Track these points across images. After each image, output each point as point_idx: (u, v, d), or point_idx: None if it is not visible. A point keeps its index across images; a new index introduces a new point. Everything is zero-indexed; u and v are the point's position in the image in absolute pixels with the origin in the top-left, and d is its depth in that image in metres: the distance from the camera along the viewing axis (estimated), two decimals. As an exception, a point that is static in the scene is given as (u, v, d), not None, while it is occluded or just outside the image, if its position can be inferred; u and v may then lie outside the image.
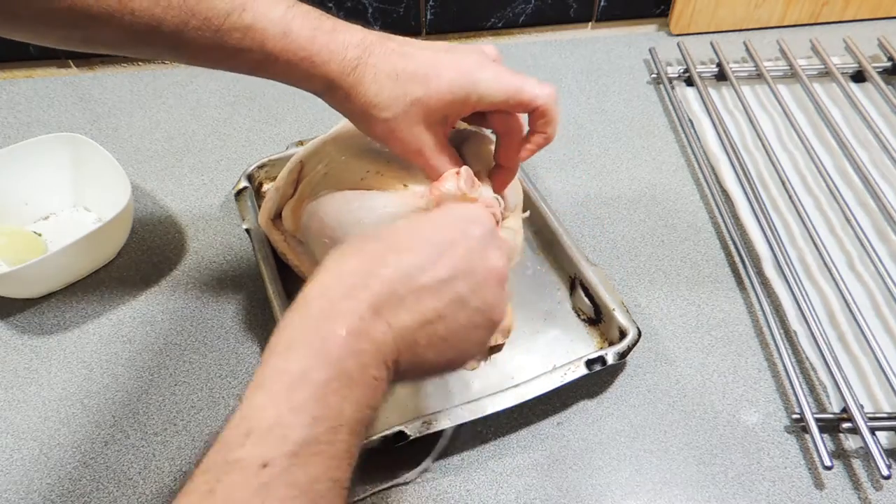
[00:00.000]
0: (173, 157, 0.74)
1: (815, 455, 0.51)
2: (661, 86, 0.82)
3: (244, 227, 0.61)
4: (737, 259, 0.64)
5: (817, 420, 0.51)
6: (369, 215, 0.47)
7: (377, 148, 0.51)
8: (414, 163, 0.45)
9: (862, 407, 0.51)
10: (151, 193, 0.71)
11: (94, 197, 0.67)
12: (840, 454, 0.52)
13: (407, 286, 0.35)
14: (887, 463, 0.48)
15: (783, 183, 0.68)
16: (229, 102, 0.81)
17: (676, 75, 0.82)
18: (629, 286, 0.62)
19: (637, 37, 0.90)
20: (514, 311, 0.56)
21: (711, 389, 0.55)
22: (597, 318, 0.58)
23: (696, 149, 0.73)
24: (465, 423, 0.49)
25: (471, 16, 0.87)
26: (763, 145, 0.72)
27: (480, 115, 0.46)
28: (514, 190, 0.52)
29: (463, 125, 0.51)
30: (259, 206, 0.63)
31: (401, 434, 0.48)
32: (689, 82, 0.82)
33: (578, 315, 0.60)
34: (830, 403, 0.54)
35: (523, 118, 0.45)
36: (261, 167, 0.67)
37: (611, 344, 0.56)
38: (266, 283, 0.57)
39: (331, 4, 0.82)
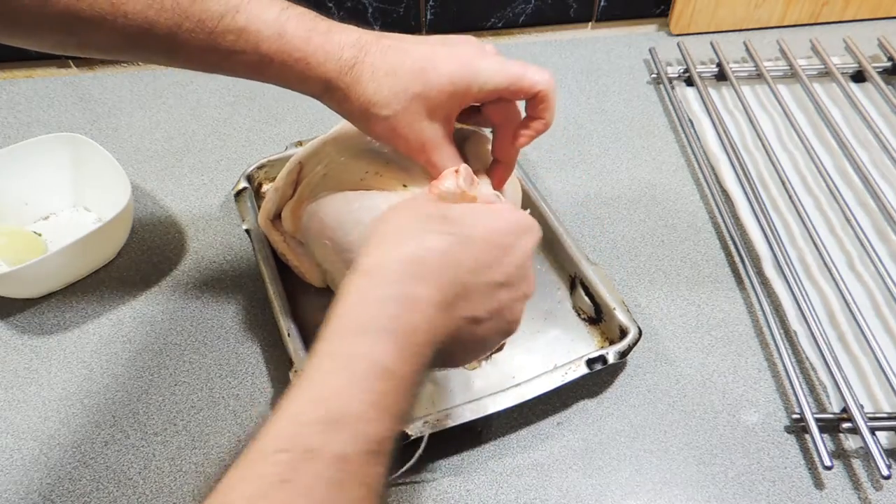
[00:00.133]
0: (173, 157, 0.74)
1: (815, 455, 0.51)
2: (661, 86, 0.82)
3: (244, 227, 0.61)
4: (737, 259, 0.64)
5: (817, 420, 0.51)
6: (370, 215, 0.47)
7: (376, 148, 0.51)
8: (417, 160, 0.45)
9: (862, 407, 0.51)
10: (151, 193, 0.71)
11: (94, 197, 0.67)
12: (840, 454, 0.52)
13: (474, 282, 0.35)
14: (887, 463, 0.48)
15: (783, 183, 0.68)
16: (229, 102, 0.81)
17: (676, 75, 0.82)
18: (629, 286, 0.62)
19: (637, 37, 0.90)
20: None
21: (711, 389, 0.55)
22: (597, 317, 0.58)
23: (696, 149, 0.73)
24: (467, 423, 0.49)
25: (471, 16, 0.87)
26: (763, 145, 0.72)
27: (475, 111, 0.46)
28: (512, 187, 0.52)
29: (459, 125, 0.51)
30: (259, 207, 0.63)
31: (402, 434, 0.48)
32: (689, 82, 0.82)
33: (579, 314, 0.60)
34: (830, 403, 0.54)
35: (520, 107, 0.45)
36: (260, 168, 0.67)
37: (611, 343, 0.56)
38: (266, 284, 0.57)
39: (331, 4, 0.82)
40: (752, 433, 0.53)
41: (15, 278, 0.57)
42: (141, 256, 0.65)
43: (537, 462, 0.51)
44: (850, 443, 0.52)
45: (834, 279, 0.60)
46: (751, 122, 0.75)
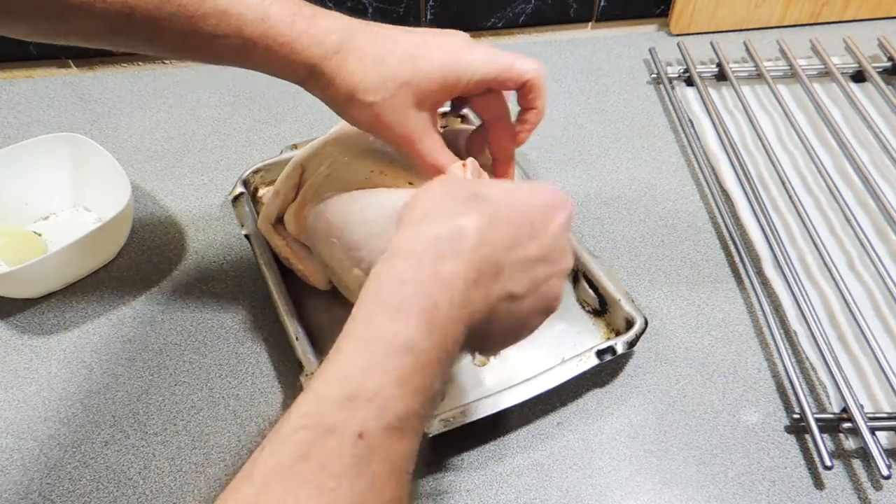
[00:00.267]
0: (173, 157, 0.74)
1: (815, 455, 0.51)
2: (661, 86, 0.82)
3: (243, 232, 0.61)
4: (737, 259, 0.64)
5: (817, 420, 0.51)
6: (377, 213, 0.47)
7: (379, 148, 0.51)
8: (402, 149, 0.44)
9: (862, 407, 0.51)
10: (151, 193, 0.71)
11: (94, 197, 0.67)
12: (840, 454, 0.52)
13: (509, 259, 0.34)
14: (887, 463, 0.48)
15: (783, 183, 0.68)
16: (229, 102, 0.81)
17: (676, 75, 0.82)
18: (629, 286, 0.62)
19: (637, 37, 0.90)
20: None
21: (711, 389, 0.55)
22: (602, 308, 0.58)
23: (696, 149, 0.73)
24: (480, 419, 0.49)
25: (471, 16, 0.87)
26: (763, 145, 0.72)
27: (462, 107, 0.45)
28: None
29: (448, 123, 0.51)
30: (256, 211, 0.62)
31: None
32: (689, 82, 0.82)
33: (583, 307, 0.60)
34: (830, 403, 0.54)
35: (510, 99, 0.45)
36: (255, 172, 0.66)
37: (617, 334, 0.56)
38: (271, 289, 0.56)
39: (331, 4, 0.82)
40: (752, 433, 0.53)
41: (15, 278, 0.57)
42: (141, 256, 0.65)
43: (537, 462, 0.51)
44: (850, 443, 0.52)
45: (834, 279, 0.60)
46: (751, 122, 0.75)
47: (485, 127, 0.47)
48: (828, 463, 0.49)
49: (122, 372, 0.57)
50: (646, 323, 0.55)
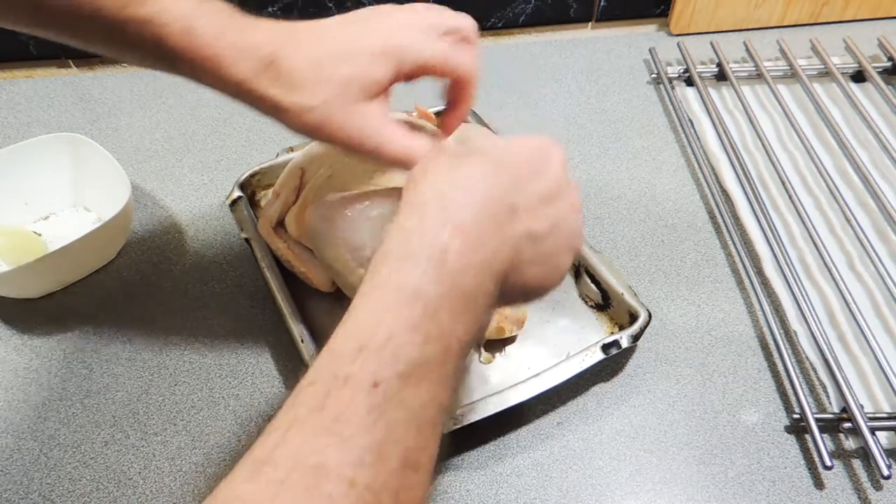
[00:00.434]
0: (173, 157, 0.74)
1: (815, 455, 0.51)
2: (661, 86, 0.82)
3: (244, 236, 0.60)
4: (737, 259, 0.64)
5: (817, 420, 0.51)
6: (381, 212, 0.47)
7: None
8: (362, 150, 0.41)
9: (862, 407, 0.51)
10: (151, 193, 0.71)
11: (94, 197, 0.67)
12: (840, 454, 0.52)
13: (521, 199, 0.34)
14: (887, 463, 0.48)
15: (783, 183, 0.68)
16: (229, 102, 0.80)
17: (676, 75, 0.82)
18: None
19: (637, 37, 0.90)
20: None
21: (711, 389, 0.55)
22: (605, 303, 0.58)
23: (696, 149, 0.73)
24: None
25: (471, 16, 0.87)
26: (763, 145, 0.72)
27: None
28: None
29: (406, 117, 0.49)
30: (255, 215, 0.62)
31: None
32: (689, 82, 0.82)
33: (586, 302, 0.60)
34: (830, 403, 0.54)
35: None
36: (252, 175, 0.66)
37: (621, 328, 0.56)
38: (274, 293, 0.56)
39: (331, 4, 0.82)
40: (752, 433, 0.53)
41: (15, 278, 0.57)
42: (141, 256, 0.65)
43: (537, 462, 0.51)
44: (850, 443, 0.52)
45: (834, 279, 0.60)
46: (751, 122, 0.75)
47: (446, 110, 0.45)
48: (828, 463, 0.49)
49: (122, 372, 0.57)
50: (650, 316, 0.55)
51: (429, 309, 0.29)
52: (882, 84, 0.77)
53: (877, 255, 0.61)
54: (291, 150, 0.68)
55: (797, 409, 0.52)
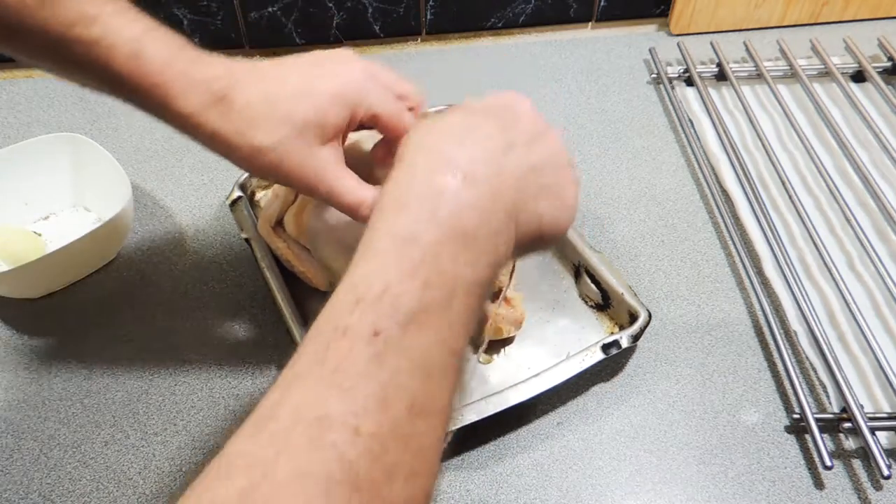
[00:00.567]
0: (173, 157, 0.74)
1: (815, 455, 0.51)
2: (661, 86, 0.82)
3: (243, 236, 0.60)
4: (737, 259, 0.64)
5: (817, 420, 0.51)
6: None
7: None
8: (315, 194, 0.41)
9: (862, 407, 0.51)
10: (151, 193, 0.71)
11: (94, 197, 0.67)
12: (840, 454, 0.52)
13: (507, 134, 0.34)
14: (887, 463, 0.48)
15: (783, 183, 0.68)
16: (229, 102, 0.80)
17: (676, 75, 0.82)
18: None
19: (637, 37, 0.90)
20: (523, 302, 0.57)
21: (711, 389, 0.55)
22: (605, 303, 0.59)
23: (696, 149, 0.73)
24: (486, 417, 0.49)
25: (471, 16, 0.87)
26: (763, 145, 0.72)
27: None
28: None
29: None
30: (255, 215, 0.62)
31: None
32: (689, 82, 0.82)
33: (586, 302, 0.60)
34: (830, 403, 0.54)
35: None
36: (252, 175, 0.66)
37: (621, 328, 0.56)
38: (275, 293, 0.56)
39: (331, 4, 0.82)
40: (752, 433, 0.53)
41: (15, 278, 0.57)
42: (141, 256, 0.65)
43: (537, 462, 0.51)
44: (850, 443, 0.52)
45: (834, 279, 0.60)
46: (751, 122, 0.75)
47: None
48: (828, 463, 0.49)
49: (122, 372, 0.57)
50: (650, 316, 0.55)
51: (427, 254, 0.29)
52: (882, 84, 0.77)
53: (877, 255, 0.61)
54: None
55: (797, 409, 0.52)
